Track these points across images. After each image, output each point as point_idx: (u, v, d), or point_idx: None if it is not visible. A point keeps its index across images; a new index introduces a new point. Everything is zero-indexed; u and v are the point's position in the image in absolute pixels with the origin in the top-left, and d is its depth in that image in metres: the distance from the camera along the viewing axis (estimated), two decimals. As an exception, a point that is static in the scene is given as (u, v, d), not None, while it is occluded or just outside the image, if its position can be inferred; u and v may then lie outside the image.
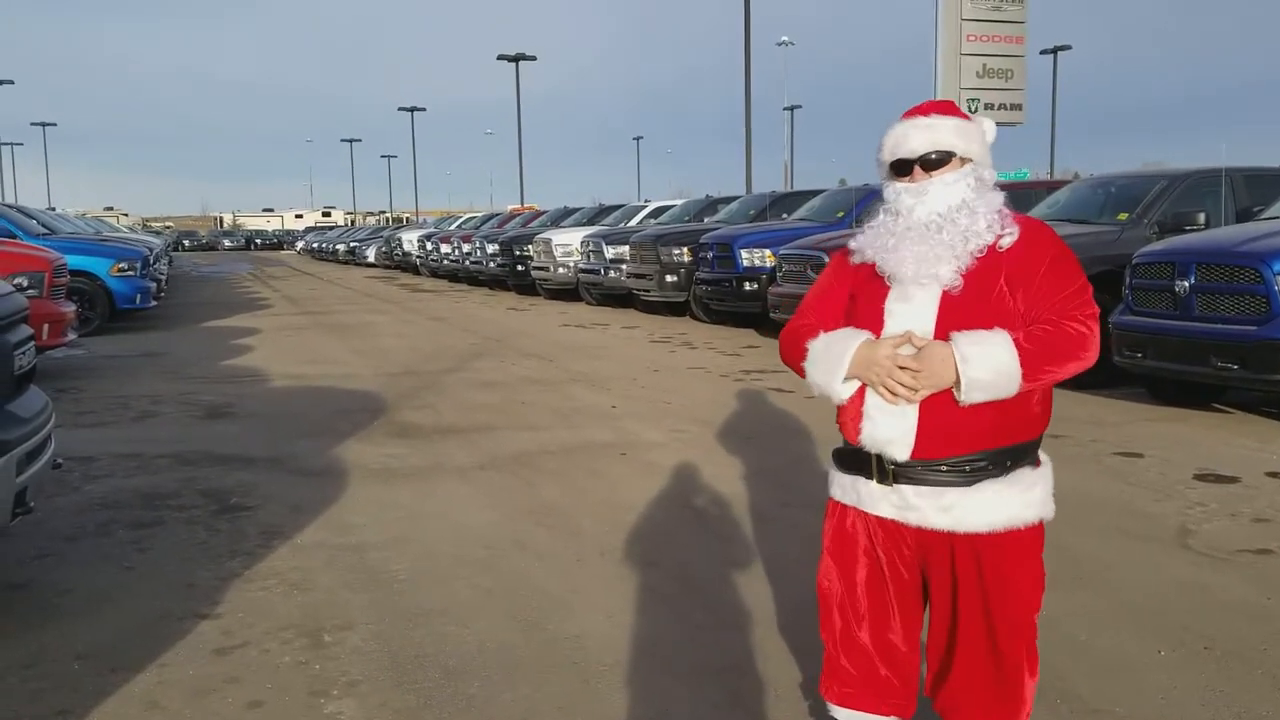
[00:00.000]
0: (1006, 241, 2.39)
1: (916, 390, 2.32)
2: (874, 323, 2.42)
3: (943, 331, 2.34)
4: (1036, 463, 2.55)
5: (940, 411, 2.35)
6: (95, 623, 3.85)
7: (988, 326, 2.34)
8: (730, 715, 3.10)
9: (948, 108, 2.51)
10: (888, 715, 2.61)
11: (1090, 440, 6.74)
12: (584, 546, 4.70)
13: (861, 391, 2.41)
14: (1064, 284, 2.41)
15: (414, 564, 4.48)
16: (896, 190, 2.44)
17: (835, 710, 2.65)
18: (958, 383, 2.30)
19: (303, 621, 3.84)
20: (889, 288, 2.42)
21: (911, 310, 2.38)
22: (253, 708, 3.17)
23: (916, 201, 2.40)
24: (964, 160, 2.43)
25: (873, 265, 2.45)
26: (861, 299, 2.48)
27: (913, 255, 2.36)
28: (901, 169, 2.43)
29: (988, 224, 2.39)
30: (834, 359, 2.41)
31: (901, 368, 2.33)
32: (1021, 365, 2.30)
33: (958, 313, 2.35)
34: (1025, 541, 2.48)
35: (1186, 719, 3.01)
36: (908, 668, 2.60)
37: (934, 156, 2.41)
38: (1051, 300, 2.39)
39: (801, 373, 2.51)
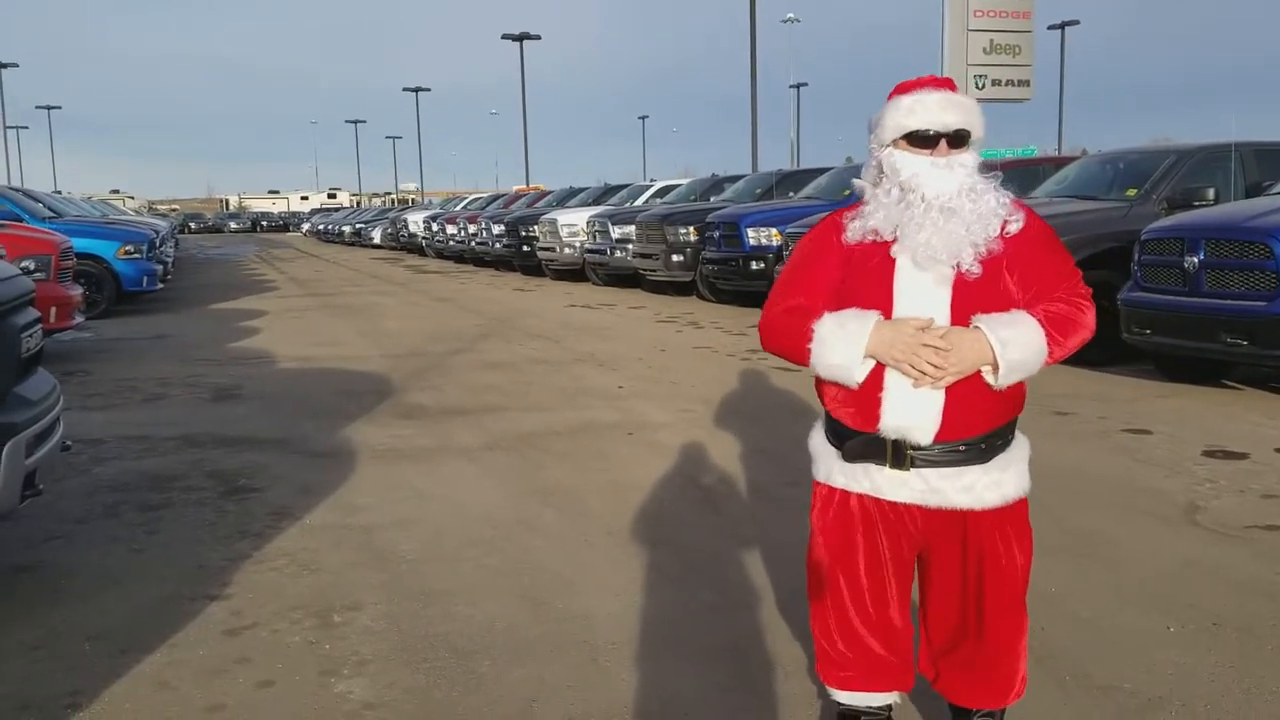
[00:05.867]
0: (1014, 228, 2.37)
1: (945, 372, 2.29)
2: (881, 303, 2.36)
3: (959, 314, 2.32)
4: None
5: (965, 393, 2.34)
6: (105, 604, 3.87)
7: (1002, 309, 2.34)
8: (738, 694, 3.11)
9: (954, 85, 2.48)
10: (889, 692, 2.63)
11: (1099, 417, 6.72)
12: (591, 526, 4.71)
13: (875, 377, 2.36)
14: (1062, 263, 2.45)
15: (422, 544, 4.49)
16: (914, 163, 2.35)
17: (838, 694, 2.65)
18: (995, 367, 2.30)
19: (312, 602, 3.85)
20: (896, 267, 2.36)
21: (925, 292, 2.34)
22: (263, 687, 3.19)
23: (938, 177, 2.33)
24: (973, 143, 2.42)
25: (874, 242, 2.38)
26: (862, 277, 2.40)
27: (939, 237, 2.30)
28: (925, 141, 2.36)
29: (998, 205, 2.37)
30: (850, 337, 2.32)
31: (925, 345, 2.28)
32: (1048, 345, 2.34)
33: (971, 295, 2.33)
34: (1024, 505, 2.52)
35: (1195, 695, 3.01)
36: (905, 642, 2.61)
37: (964, 133, 2.37)
38: (1055, 282, 2.41)
39: (803, 356, 2.41)
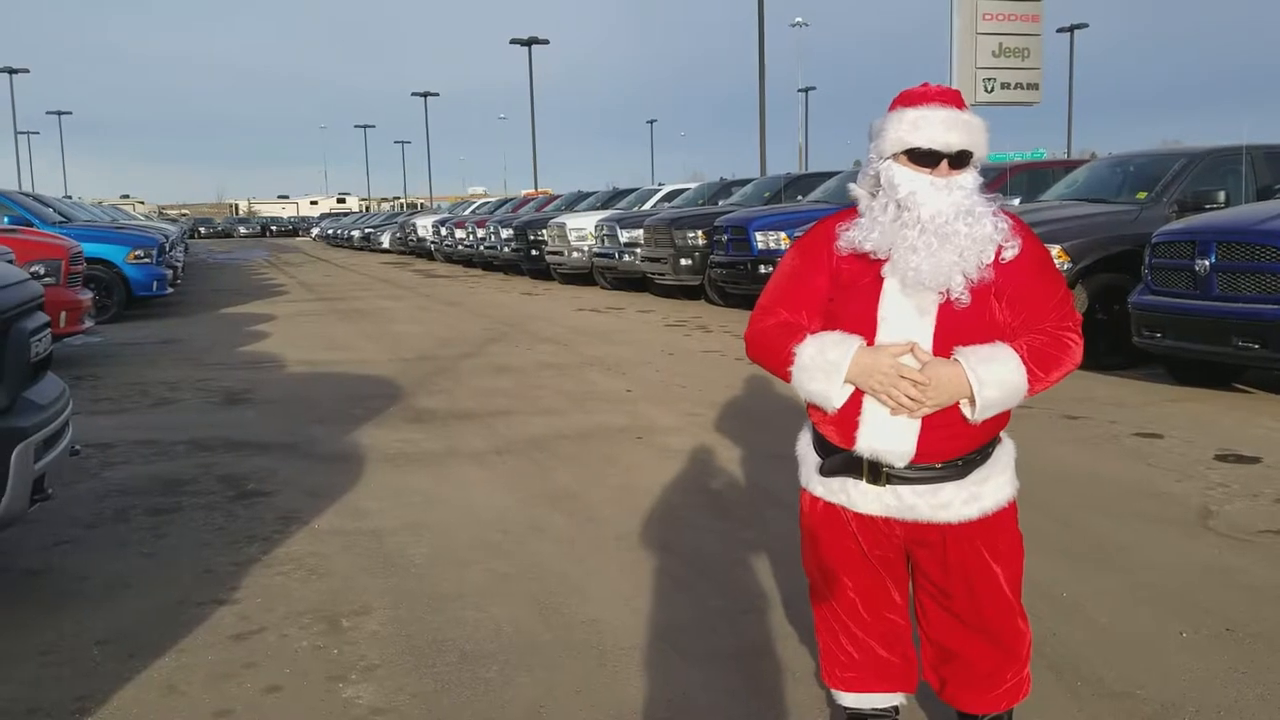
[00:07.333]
0: (1009, 254, 2.33)
1: (922, 404, 2.27)
2: (864, 327, 2.33)
3: (940, 343, 2.30)
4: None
5: (942, 422, 2.33)
6: (114, 609, 3.87)
7: (985, 340, 2.31)
8: (748, 699, 3.09)
9: (962, 99, 2.43)
10: (893, 693, 2.62)
11: (1110, 421, 6.69)
12: (600, 531, 4.70)
13: (854, 400, 2.34)
14: (1053, 292, 2.41)
15: (430, 549, 4.48)
16: (913, 180, 2.30)
17: (842, 696, 2.65)
18: (971, 402, 2.28)
19: (320, 606, 3.85)
20: (882, 289, 2.32)
21: (909, 318, 2.31)
22: (271, 692, 3.18)
23: (936, 198, 2.28)
24: (974, 162, 2.37)
25: (866, 259, 2.34)
26: (850, 297, 2.37)
27: (929, 262, 2.25)
28: (926, 159, 2.30)
29: (995, 231, 2.32)
30: (830, 366, 2.31)
31: (904, 378, 2.27)
32: (1028, 381, 2.32)
33: (955, 324, 2.30)
34: (1008, 513, 2.49)
35: (1209, 701, 2.98)
36: (906, 643, 2.61)
37: (966, 154, 2.32)
38: (1044, 311, 2.38)
39: (785, 376, 2.41)
